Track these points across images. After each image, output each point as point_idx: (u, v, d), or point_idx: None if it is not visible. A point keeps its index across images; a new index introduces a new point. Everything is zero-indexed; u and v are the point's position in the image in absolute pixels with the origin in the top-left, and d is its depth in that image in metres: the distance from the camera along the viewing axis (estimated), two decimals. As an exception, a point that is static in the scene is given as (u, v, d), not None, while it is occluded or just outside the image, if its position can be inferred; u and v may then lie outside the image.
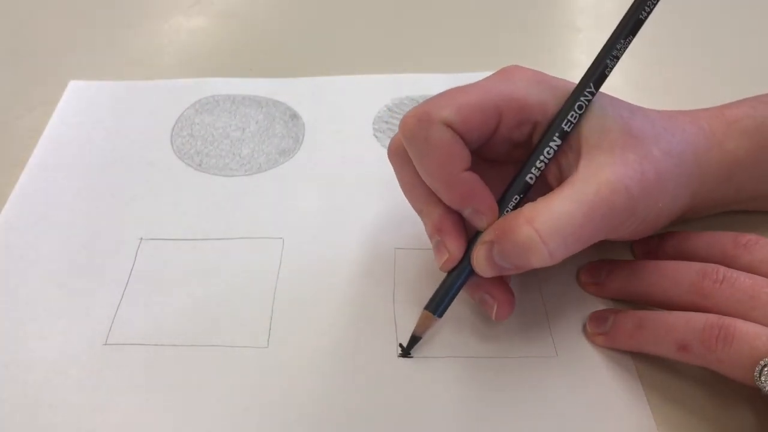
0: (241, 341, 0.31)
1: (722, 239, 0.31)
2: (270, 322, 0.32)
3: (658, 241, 0.34)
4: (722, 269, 0.29)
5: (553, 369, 0.30)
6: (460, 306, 0.33)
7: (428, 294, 0.30)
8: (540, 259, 0.27)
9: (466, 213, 0.29)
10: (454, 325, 0.32)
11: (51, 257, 0.35)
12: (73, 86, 0.46)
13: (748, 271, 0.29)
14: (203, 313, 0.33)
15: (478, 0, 0.57)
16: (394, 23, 0.54)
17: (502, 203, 0.29)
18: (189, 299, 0.33)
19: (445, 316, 0.31)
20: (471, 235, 0.30)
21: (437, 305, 0.30)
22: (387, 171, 0.32)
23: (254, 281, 0.34)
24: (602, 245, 0.35)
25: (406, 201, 0.32)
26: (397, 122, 0.34)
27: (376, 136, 0.42)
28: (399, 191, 0.37)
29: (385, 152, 0.36)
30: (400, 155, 0.31)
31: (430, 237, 0.31)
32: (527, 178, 0.29)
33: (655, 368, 0.30)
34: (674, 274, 0.30)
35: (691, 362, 0.28)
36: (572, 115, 0.29)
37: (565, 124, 0.29)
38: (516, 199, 0.29)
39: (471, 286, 0.31)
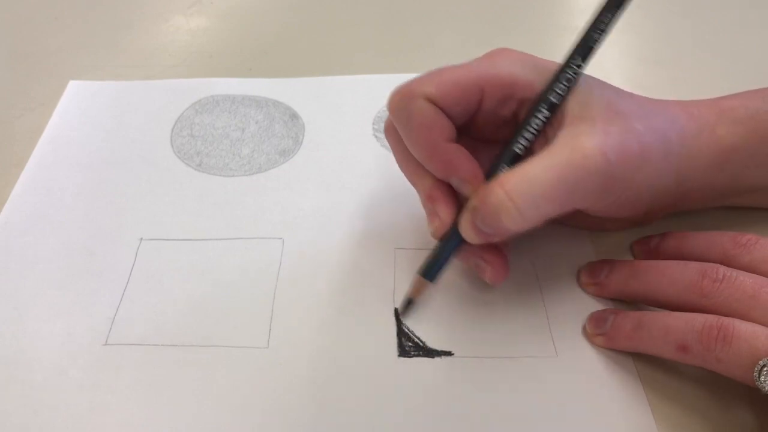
0: (241, 341, 0.31)
1: (722, 239, 0.31)
2: (270, 322, 0.32)
3: (658, 241, 0.34)
4: (722, 269, 0.29)
5: (553, 369, 0.30)
6: (460, 306, 0.33)
7: (428, 294, 0.30)
8: (511, 219, 0.28)
9: (454, 182, 0.31)
10: (454, 325, 0.32)
11: (51, 257, 0.35)
12: (73, 86, 0.46)
13: (748, 271, 0.29)
14: (203, 313, 0.33)
15: (478, 0, 0.57)
16: (394, 23, 0.54)
17: (491, 174, 0.30)
18: (189, 299, 0.33)
19: (445, 316, 0.31)
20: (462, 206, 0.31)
21: (429, 270, 0.31)
22: (387, 171, 0.32)
23: (254, 281, 0.34)
24: (602, 245, 0.35)
25: (406, 201, 0.32)
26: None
27: (376, 136, 0.42)
28: (399, 191, 0.37)
29: (385, 152, 0.36)
30: (392, 132, 0.32)
31: (424, 207, 0.32)
32: (515, 149, 0.30)
33: (655, 368, 0.30)
34: (674, 274, 0.30)
35: (690, 362, 0.28)
36: (560, 87, 0.30)
37: (553, 96, 0.30)
38: (503, 168, 0.30)
39: (464, 254, 0.32)
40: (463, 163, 0.30)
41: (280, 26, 0.54)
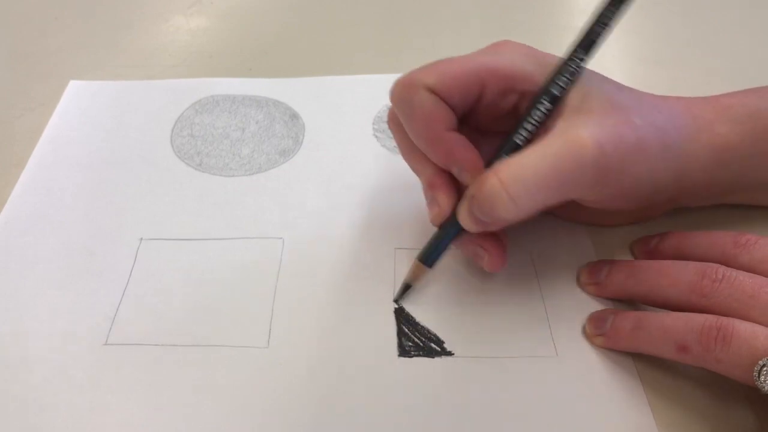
0: (241, 341, 0.31)
1: (721, 239, 0.31)
2: (270, 322, 0.32)
3: (658, 241, 0.34)
4: (721, 269, 0.29)
5: (553, 369, 0.30)
6: (460, 306, 0.33)
7: (428, 294, 0.30)
8: (504, 207, 0.28)
9: (454, 171, 0.31)
10: (454, 325, 0.32)
11: (51, 257, 0.35)
12: (73, 86, 0.46)
13: (748, 271, 0.29)
14: (203, 312, 0.33)
15: (478, 1, 0.57)
16: (394, 23, 0.54)
17: (491, 165, 0.30)
18: (189, 299, 0.33)
19: (444, 316, 0.31)
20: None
21: (427, 256, 0.32)
22: (387, 171, 0.32)
23: (254, 281, 0.34)
24: (602, 245, 0.35)
25: (406, 201, 0.32)
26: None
27: (376, 136, 0.42)
28: (399, 191, 0.37)
29: (385, 152, 0.36)
30: (395, 122, 0.33)
31: (425, 195, 0.33)
32: (516, 139, 0.30)
33: (655, 368, 0.30)
34: (673, 274, 0.30)
35: (690, 363, 0.28)
36: (562, 80, 0.30)
37: (555, 89, 0.30)
38: (503, 158, 0.30)
39: (463, 242, 0.32)
40: (463, 152, 0.31)
41: (280, 26, 0.54)
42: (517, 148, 0.30)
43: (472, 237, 0.31)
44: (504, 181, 0.28)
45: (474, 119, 0.32)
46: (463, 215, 0.30)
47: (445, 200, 0.31)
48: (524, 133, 0.30)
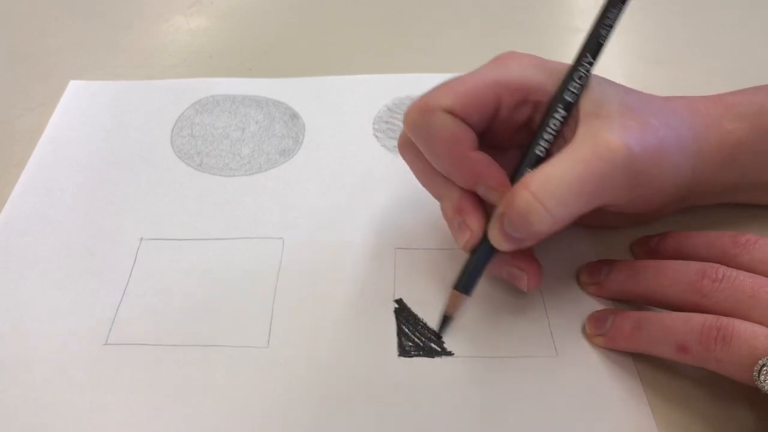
0: (241, 341, 0.31)
1: (722, 239, 0.31)
2: (270, 322, 0.32)
3: (658, 241, 0.34)
4: (722, 268, 0.29)
5: (553, 369, 0.30)
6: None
7: (429, 293, 0.30)
8: (541, 220, 0.27)
9: (481, 191, 0.30)
10: (454, 325, 0.32)
11: (51, 257, 0.35)
12: (73, 86, 0.46)
13: (748, 271, 0.29)
14: (203, 313, 0.33)
15: (478, 1, 0.57)
16: (394, 23, 0.54)
17: (515, 180, 0.30)
18: (189, 299, 0.33)
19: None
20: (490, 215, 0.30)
21: (465, 283, 0.31)
22: (387, 171, 0.32)
23: (254, 281, 0.34)
24: (602, 245, 0.35)
25: (406, 201, 0.32)
26: (398, 122, 0.34)
27: (376, 136, 0.42)
28: (399, 191, 0.37)
29: (385, 152, 0.36)
30: (408, 148, 0.32)
31: (451, 220, 0.32)
32: (536, 151, 0.30)
33: (655, 368, 0.30)
34: (674, 274, 0.30)
35: (690, 363, 0.28)
36: (574, 86, 0.30)
37: (568, 95, 0.30)
38: (527, 172, 0.29)
39: (496, 264, 0.31)
40: (490, 171, 0.30)
41: (280, 26, 0.54)
42: (539, 160, 0.29)
43: (506, 258, 0.31)
44: (536, 194, 0.27)
45: (488, 136, 0.32)
46: (495, 235, 0.29)
47: (476, 224, 0.30)
48: (544, 144, 0.30)
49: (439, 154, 0.30)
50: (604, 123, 0.28)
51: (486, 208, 0.31)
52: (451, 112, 0.29)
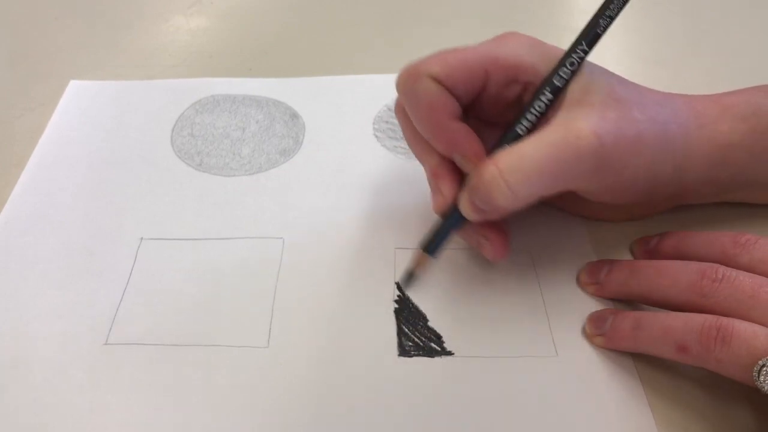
0: (241, 341, 0.31)
1: (721, 239, 0.31)
2: (270, 322, 0.32)
3: (658, 241, 0.34)
4: (721, 269, 0.29)
5: (553, 369, 0.30)
6: (460, 306, 0.33)
7: (429, 294, 0.30)
8: (502, 195, 0.28)
9: (457, 159, 0.31)
10: (454, 325, 0.32)
11: (51, 257, 0.35)
12: (73, 86, 0.46)
13: (748, 271, 0.29)
14: (203, 312, 0.33)
15: (478, 1, 0.57)
16: (394, 23, 0.54)
17: (493, 153, 0.30)
18: (189, 299, 0.33)
19: (444, 315, 0.31)
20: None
21: (431, 245, 0.32)
22: (387, 171, 0.32)
23: (254, 281, 0.34)
24: (602, 245, 0.35)
25: (406, 201, 0.32)
26: (398, 122, 0.34)
27: (376, 136, 0.42)
28: (399, 191, 0.37)
29: (385, 152, 0.36)
30: (401, 111, 0.33)
31: (429, 184, 0.33)
32: (517, 129, 0.30)
33: (655, 368, 0.30)
34: (673, 274, 0.30)
35: (690, 363, 0.28)
36: (564, 71, 0.30)
37: (557, 80, 0.30)
38: (504, 148, 0.30)
39: (466, 231, 0.33)
40: (465, 141, 0.31)
41: (280, 26, 0.54)
42: (518, 138, 0.30)
43: (474, 226, 0.32)
44: (502, 170, 0.28)
45: (478, 109, 0.33)
46: (464, 204, 0.30)
47: (447, 189, 0.31)
48: (526, 124, 0.30)
49: (421, 119, 0.31)
50: (584, 111, 0.29)
51: (462, 177, 0.32)
52: (437, 80, 0.30)
